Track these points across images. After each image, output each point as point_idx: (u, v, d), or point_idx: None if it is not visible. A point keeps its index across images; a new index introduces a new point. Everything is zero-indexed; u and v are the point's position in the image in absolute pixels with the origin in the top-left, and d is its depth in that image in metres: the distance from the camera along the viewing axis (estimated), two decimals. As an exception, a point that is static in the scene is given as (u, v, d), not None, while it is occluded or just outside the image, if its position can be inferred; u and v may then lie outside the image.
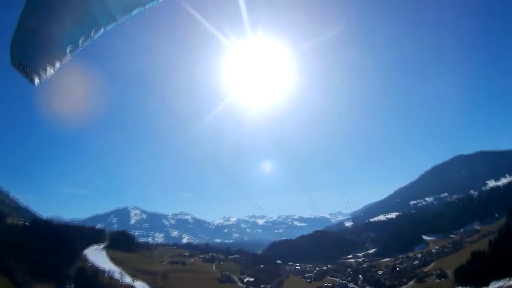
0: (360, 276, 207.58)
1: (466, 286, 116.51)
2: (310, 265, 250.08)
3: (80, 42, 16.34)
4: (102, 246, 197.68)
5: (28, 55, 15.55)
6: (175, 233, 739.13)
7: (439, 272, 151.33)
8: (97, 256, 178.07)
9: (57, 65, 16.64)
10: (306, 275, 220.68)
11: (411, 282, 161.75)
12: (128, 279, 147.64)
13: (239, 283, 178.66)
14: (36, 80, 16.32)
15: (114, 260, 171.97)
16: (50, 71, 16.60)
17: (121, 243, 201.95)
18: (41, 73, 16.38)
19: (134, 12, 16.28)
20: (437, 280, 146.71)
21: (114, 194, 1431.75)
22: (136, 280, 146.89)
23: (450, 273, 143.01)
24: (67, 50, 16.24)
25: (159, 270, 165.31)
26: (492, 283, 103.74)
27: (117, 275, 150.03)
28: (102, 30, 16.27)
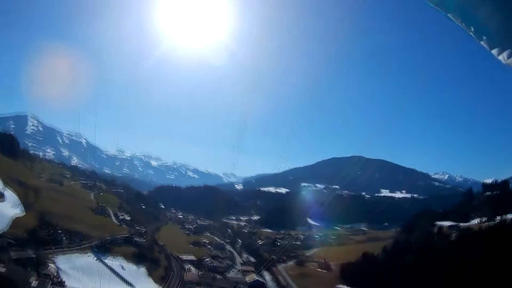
0: (239, 240, 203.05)
1: (353, 286, 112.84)
2: (192, 217, 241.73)
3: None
4: None
5: None
6: (66, 152, 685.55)
7: (322, 261, 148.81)
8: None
9: None
10: (186, 226, 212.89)
11: (291, 262, 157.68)
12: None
13: (113, 219, 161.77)
14: None
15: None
16: None
17: (5, 147, 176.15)
18: None
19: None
20: (319, 270, 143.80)
21: (17, 95, 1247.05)
22: (8, 189, 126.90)
23: (334, 266, 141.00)
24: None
25: (34, 184, 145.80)
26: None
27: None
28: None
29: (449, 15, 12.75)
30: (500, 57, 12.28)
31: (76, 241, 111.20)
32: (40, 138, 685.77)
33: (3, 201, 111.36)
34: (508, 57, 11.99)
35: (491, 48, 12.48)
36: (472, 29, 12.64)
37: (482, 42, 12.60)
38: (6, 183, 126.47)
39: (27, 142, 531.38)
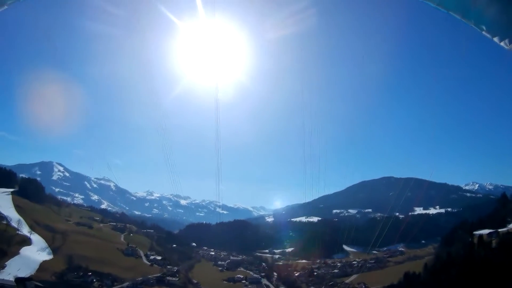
0: (274, 273, 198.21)
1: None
2: (225, 253, 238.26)
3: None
4: (10, 190, 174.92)
5: None
6: (95, 197, 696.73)
7: (363, 287, 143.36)
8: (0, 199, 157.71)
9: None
10: (219, 262, 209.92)
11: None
12: (26, 231, 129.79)
13: (144, 259, 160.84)
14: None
15: (17, 208, 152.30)
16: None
17: (30, 192, 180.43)
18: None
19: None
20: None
21: (41, 145, 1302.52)
22: (34, 233, 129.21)
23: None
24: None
25: (62, 228, 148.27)
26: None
27: (15, 224, 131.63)
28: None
29: (450, 12, 13.65)
30: (502, 43, 13.08)
31: (107, 284, 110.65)
32: (67, 184, 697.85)
33: (30, 245, 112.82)
34: (510, 43, 12.90)
35: (493, 36, 13.14)
36: (473, 22, 13.35)
37: (484, 32, 13.32)
38: (32, 228, 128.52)
39: (54, 188, 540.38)
